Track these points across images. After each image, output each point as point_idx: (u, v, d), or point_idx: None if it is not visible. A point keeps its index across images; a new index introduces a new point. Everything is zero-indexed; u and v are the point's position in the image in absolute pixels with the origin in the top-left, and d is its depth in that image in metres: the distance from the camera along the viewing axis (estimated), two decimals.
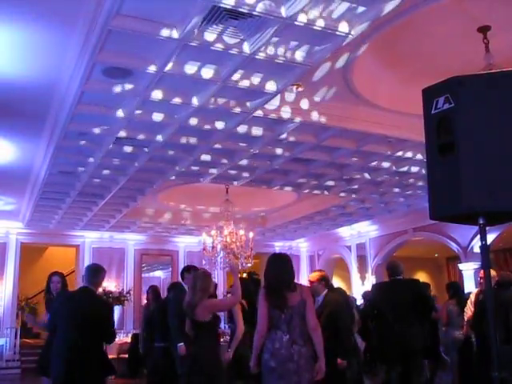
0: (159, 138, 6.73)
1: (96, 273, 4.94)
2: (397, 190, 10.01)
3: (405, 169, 8.53)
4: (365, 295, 10.29)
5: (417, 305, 5.83)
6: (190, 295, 4.70)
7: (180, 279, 6.66)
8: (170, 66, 4.86)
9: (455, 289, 7.67)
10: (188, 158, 7.59)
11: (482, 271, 7.36)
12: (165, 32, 4.28)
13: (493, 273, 6.86)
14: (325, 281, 5.43)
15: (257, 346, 4.14)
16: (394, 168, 8.46)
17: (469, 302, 6.72)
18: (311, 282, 5.45)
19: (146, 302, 8.58)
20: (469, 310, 6.63)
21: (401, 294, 5.84)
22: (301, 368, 3.99)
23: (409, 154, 7.82)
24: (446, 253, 15.15)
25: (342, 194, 10.30)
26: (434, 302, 6.29)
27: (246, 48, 4.58)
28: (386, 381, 6.37)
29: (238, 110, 5.91)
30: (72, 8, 4.15)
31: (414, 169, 8.58)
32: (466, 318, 6.68)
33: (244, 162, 7.93)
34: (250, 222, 12.90)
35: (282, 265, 4.30)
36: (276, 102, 6.01)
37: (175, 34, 4.31)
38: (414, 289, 6.08)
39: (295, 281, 4.32)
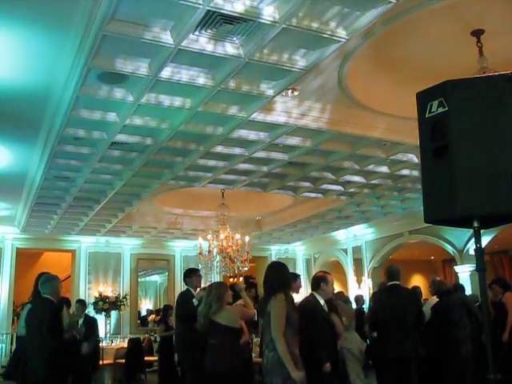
0: (154, 142, 6.72)
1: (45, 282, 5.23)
2: (392, 192, 10.03)
3: (400, 172, 8.56)
4: (357, 299, 10.32)
5: (415, 316, 5.86)
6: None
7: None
8: (164, 70, 4.86)
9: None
10: (184, 162, 7.58)
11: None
12: (159, 37, 4.28)
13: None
14: None
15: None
16: (389, 171, 8.49)
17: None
18: None
19: None
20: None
21: (402, 300, 5.84)
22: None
23: (404, 158, 7.85)
24: (441, 255, 15.16)
25: (338, 198, 10.31)
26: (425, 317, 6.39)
27: (241, 52, 4.58)
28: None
29: (233, 114, 5.92)
30: (66, 13, 4.14)
31: (409, 172, 8.60)
32: None
33: (240, 166, 7.93)
34: (246, 226, 12.89)
35: None
36: (271, 105, 6.03)
37: (170, 39, 4.31)
38: (417, 300, 6.18)
39: None
